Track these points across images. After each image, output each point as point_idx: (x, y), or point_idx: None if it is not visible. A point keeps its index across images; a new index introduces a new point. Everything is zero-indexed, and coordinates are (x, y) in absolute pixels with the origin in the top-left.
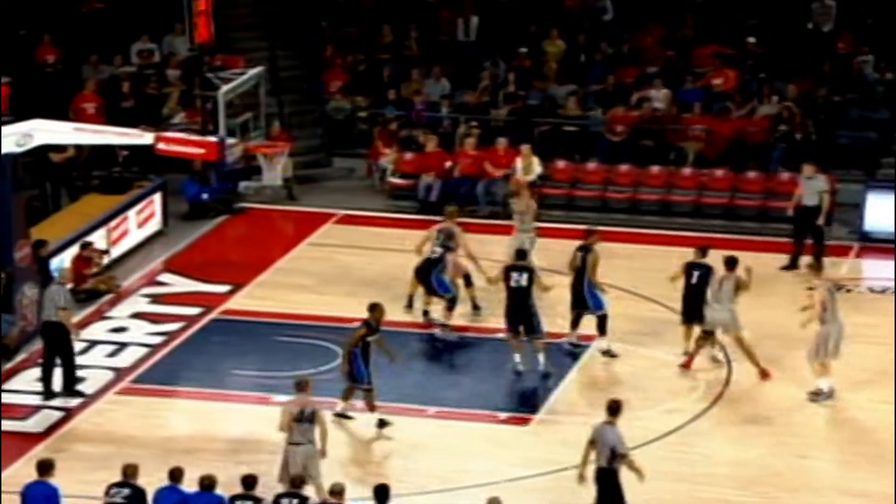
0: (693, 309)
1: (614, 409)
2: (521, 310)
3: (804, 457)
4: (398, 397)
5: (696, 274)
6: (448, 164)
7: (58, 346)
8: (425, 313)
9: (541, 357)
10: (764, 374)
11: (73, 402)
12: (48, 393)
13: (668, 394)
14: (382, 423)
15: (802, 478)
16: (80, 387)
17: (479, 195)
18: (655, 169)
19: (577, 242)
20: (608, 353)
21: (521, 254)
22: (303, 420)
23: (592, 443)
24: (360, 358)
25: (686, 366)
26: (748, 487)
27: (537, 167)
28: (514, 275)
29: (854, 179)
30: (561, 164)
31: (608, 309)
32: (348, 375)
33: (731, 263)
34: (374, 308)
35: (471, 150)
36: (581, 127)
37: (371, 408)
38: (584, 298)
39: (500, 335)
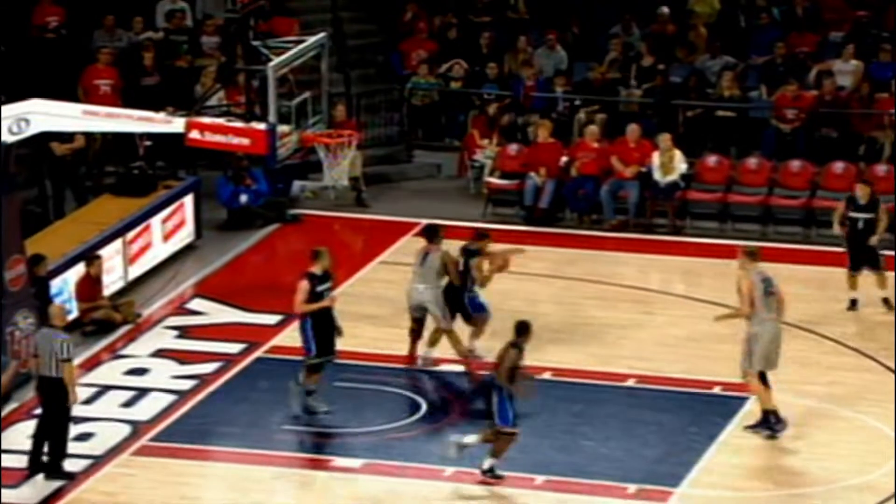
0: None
1: None
2: None
3: None
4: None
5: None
6: (564, 159)
7: (55, 410)
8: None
9: None
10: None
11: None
12: (35, 466)
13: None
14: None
15: None
16: (73, 456)
17: (603, 200)
18: (839, 167)
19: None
20: None
21: None
22: None
23: None
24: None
25: None
26: None
27: (681, 164)
28: None
29: None
30: (712, 160)
31: None
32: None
33: (430, 233)
34: (526, 329)
35: (593, 142)
36: (739, 112)
37: (498, 453)
38: None
39: (629, 382)
